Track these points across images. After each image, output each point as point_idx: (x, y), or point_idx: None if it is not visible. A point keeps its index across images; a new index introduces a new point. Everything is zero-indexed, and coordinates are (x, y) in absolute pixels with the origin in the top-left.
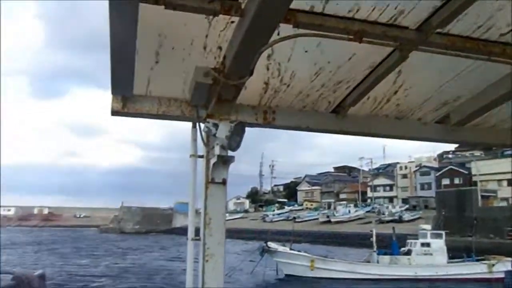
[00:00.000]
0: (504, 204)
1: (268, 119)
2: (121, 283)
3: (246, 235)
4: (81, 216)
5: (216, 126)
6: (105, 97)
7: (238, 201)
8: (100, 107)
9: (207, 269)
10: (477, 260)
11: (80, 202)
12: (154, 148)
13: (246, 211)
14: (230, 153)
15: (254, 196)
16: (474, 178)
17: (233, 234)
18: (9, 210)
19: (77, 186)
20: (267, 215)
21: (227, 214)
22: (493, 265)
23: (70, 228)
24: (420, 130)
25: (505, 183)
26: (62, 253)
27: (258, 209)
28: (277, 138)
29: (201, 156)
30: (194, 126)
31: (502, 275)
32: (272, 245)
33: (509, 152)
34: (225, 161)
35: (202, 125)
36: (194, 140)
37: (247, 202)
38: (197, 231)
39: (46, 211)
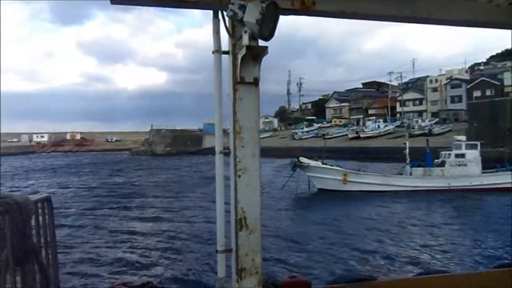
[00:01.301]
0: None
1: (307, 3)
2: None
3: (276, 153)
4: (113, 140)
5: (243, 8)
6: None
7: (267, 120)
8: (121, 30)
9: (240, 186)
10: (511, 170)
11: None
12: (180, 70)
13: (275, 130)
14: (262, 43)
15: (283, 115)
16: (506, 89)
17: (262, 152)
18: (42, 136)
19: (105, 111)
20: (296, 133)
21: None
22: None
23: (103, 152)
24: (492, 14)
25: None
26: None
27: (287, 127)
28: (303, 55)
29: (227, 52)
30: (215, 16)
31: None
32: (304, 160)
33: None
34: (256, 54)
35: (226, 12)
36: (217, 32)
37: (275, 121)
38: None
39: (78, 137)
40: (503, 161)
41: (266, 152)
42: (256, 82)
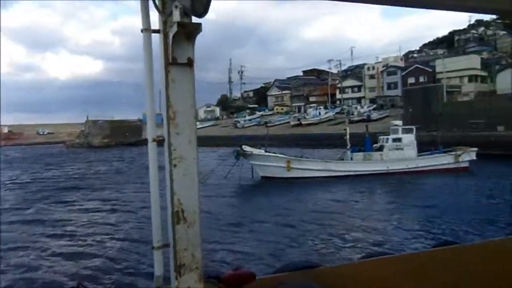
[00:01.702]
0: (467, 98)
1: None
2: None
3: (219, 142)
4: (45, 132)
5: None
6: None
7: (209, 109)
8: (51, 16)
9: (176, 176)
10: (444, 152)
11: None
12: (117, 59)
13: (217, 119)
14: (196, 20)
15: (225, 103)
16: (437, 76)
17: (204, 141)
18: None
19: (37, 103)
20: (239, 121)
21: (197, 123)
22: (459, 155)
23: (32, 146)
24: None
25: (466, 79)
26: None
27: (229, 116)
28: (244, 43)
29: (157, 31)
30: None
31: (466, 165)
32: (247, 148)
33: (470, 49)
34: (189, 31)
35: None
36: (145, 8)
37: (217, 109)
38: None
39: (5, 130)
40: (437, 144)
41: (209, 142)
42: (190, 63)
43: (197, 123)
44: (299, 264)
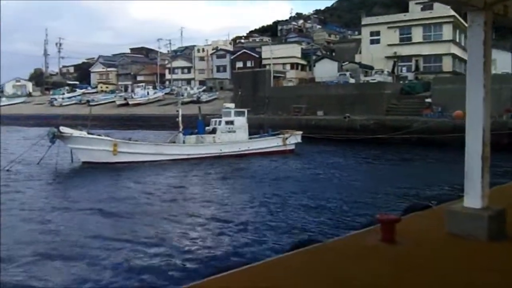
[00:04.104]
0: (291, 84)
1: None
2: None
3: (31, 121)
4: None
5: None
6: None
7: (18, 83)
8: None
9: None
10: (273, 135)
11: None
12: None
13: (29, 95)
14: None
15: (39, 78)
16: (263, 62)
17: (13, 121)
18: None
19: None
20: (56, 99)
21: (3, 99)
22: (287, 138)
23: None
24: None
25: (288, 66)
26: None
27: (44, 92)
28: (62, 16)
29: None
30: None
31: (293, 147)
32: (65, 129)
33: (291, 39)
34: None
35: None
36: None
37: (29, 84)
38: None
39: None
40: (264, 127)
41: (18, 121)
42: None
43: (3, 99)
44: None
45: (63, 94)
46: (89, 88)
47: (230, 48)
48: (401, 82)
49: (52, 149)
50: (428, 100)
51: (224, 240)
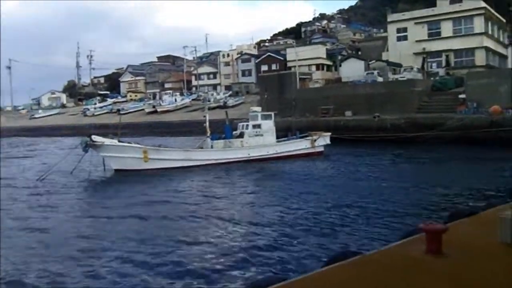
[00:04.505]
0: (317, 85)
1: None
2: None
3: (65, 131)
4: None
5: None
6: None
7: (53, 95)
8: None
9: None
10: (301, 137)
11: None
12: None
13: (63, 106)
14: None
15: (72, 90)
16: (289, 64)
17: (48, 131)
18: None
19: None
20: (88, 109)
21: (40, 111)
22: (315, 140)
23: None
24: None
25: (314, 68)
26: None
27: (77, 103)
28: (97, 28)
29: None
30: None
31: (322, 149)
32: (97, 138)
33: (316, 40)
34: None
35: None
36: None
37: (63, 96)
38: None
39: None
40: (292, 130)
41: (53, 132)
42: None
43: (40, 111)
44: None
45: (95, 104)
46: (119, 97)
47: (254, 52)
48: (431, 78)
49: (85, 158)
50: (462, 96)
51: (254, 252)
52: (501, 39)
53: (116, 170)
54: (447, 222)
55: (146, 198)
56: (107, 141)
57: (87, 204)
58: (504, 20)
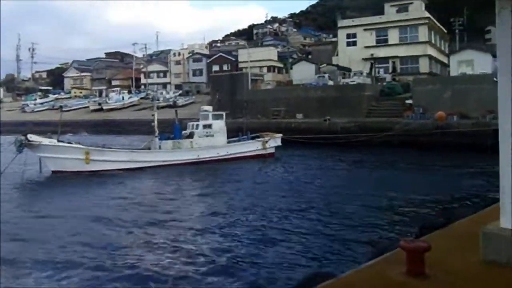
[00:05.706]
0: (269, 87)
1: None
2: None
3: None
4: None
5: None
6: None
7: None
8: None
9: None
10: (252, 138)
11: None
12: None
13: (0, 101)
14: None
15: (11, 84)
16: (240, 65)
17: None
18: None
19: None
20: (27, 105)
21: None
22: (267, 141)
23: None
24: None
25: (265, 69)
26: None
27: (16, 98)
28: (43, 21)
29: None
30: None
31: (273, 150)
32: (34, 137)
33: (267, 42)
34: None
35: None
36: None
37: (1, 90)
38: None
39: None
40: (243, 130)
41: None
42: None
43: None
44: None
45: (35, 99)
46: (62, 93)
47: (206, 51)
48: (379, 83)
49: (19, 159)
50: (409, 101)
51: (200, 260)
52: (443, 48)
53: (54, 172)
54: (419, 235)
55: (83, 202)
56: (45, 140)
57: (17, 207)
58: (445, 31)
